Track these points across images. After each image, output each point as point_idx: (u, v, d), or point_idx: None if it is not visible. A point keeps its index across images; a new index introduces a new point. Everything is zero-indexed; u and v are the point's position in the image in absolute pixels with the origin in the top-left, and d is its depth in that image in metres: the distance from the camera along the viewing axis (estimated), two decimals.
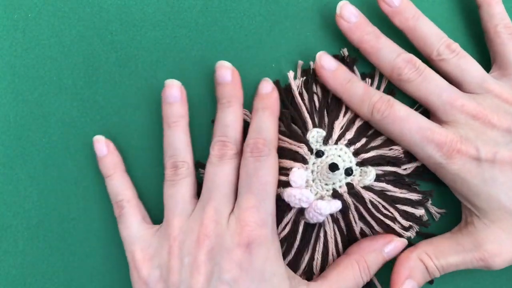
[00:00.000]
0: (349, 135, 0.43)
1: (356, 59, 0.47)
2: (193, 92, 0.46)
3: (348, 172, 0.42)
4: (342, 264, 0.41)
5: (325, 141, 0.43)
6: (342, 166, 0.42)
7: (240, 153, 0.42)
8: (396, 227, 0.44)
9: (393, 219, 0.44)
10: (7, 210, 0.45)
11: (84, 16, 0.47)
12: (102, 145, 0.45)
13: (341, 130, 0.44)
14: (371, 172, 0.42)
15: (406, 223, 0.44)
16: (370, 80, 0.46)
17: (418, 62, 0.43)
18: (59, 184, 0.46)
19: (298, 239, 0.43)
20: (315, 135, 0.43)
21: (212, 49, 0.47)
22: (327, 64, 0.44)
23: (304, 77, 0.46)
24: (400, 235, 0.44)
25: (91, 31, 0.47)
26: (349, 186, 0.42)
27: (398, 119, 0.42)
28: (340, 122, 0.44)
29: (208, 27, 0.47)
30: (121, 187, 0.44)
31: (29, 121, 0.46)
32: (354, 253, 0.42)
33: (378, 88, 0.47)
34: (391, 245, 0.42)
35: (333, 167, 0.40)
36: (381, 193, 0.43)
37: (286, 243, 0.43)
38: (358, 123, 0.44)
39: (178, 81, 0.45)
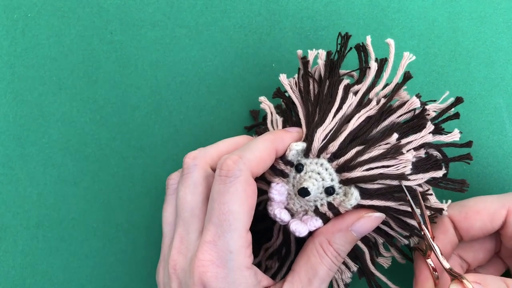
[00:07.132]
0: (332, 147, 0.37)
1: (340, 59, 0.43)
2: (193, 92, 0.46)
3: (330, 191, 0.37)
4: (307, 250, 0.37)
5: (306, 153, 0.38)
6: (317, 187, 0.37)
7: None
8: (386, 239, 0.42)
9: (384, 235, 0.41)
10: (7, 210, 0.45)
11: (84, 16, 0.47)
12: None
13: (324, 141, 0.37)
14: (353, 195, 0.37)
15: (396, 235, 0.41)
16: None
17: None
18: (59, 184, 0.46)
19: (293, 244, 0.41)
20: (293, 148, 0.37)
21: (212, 49, 0.47)
22: None
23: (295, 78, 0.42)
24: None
25: (91, 31, 0.47)
26: (330, 205, 0.38)
27: None
28: (325, 129, 0.37)
29: (208, 27, 0.47)
30: None
31: (29, 121, 0.46)
32: (318, 235, 0.37)
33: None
34: (359, 223, 0.37)
35: (303, 193, 0.36)
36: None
37: (284, 248, 0.43)
38: (355, 122, 0.38)
39: None
